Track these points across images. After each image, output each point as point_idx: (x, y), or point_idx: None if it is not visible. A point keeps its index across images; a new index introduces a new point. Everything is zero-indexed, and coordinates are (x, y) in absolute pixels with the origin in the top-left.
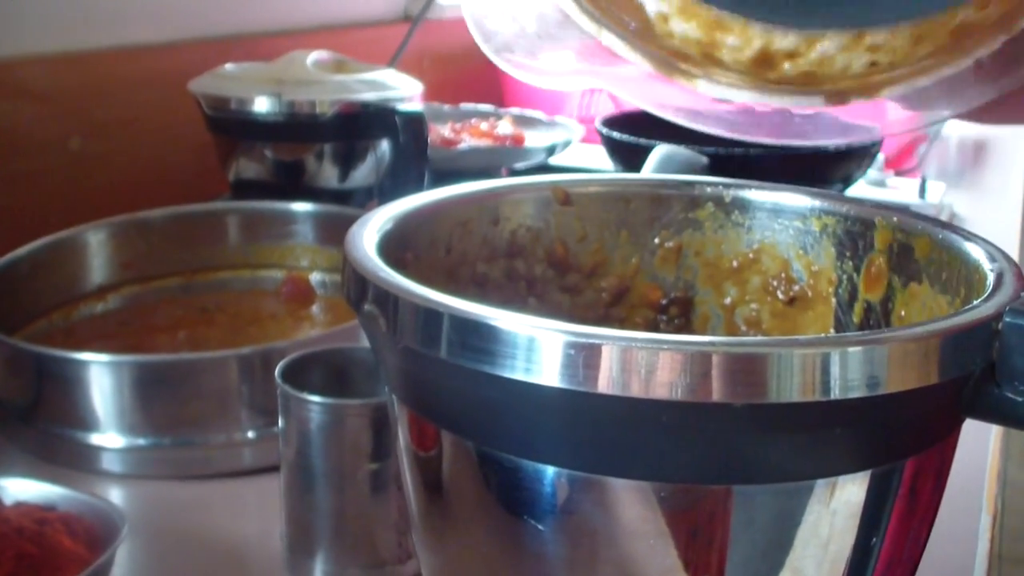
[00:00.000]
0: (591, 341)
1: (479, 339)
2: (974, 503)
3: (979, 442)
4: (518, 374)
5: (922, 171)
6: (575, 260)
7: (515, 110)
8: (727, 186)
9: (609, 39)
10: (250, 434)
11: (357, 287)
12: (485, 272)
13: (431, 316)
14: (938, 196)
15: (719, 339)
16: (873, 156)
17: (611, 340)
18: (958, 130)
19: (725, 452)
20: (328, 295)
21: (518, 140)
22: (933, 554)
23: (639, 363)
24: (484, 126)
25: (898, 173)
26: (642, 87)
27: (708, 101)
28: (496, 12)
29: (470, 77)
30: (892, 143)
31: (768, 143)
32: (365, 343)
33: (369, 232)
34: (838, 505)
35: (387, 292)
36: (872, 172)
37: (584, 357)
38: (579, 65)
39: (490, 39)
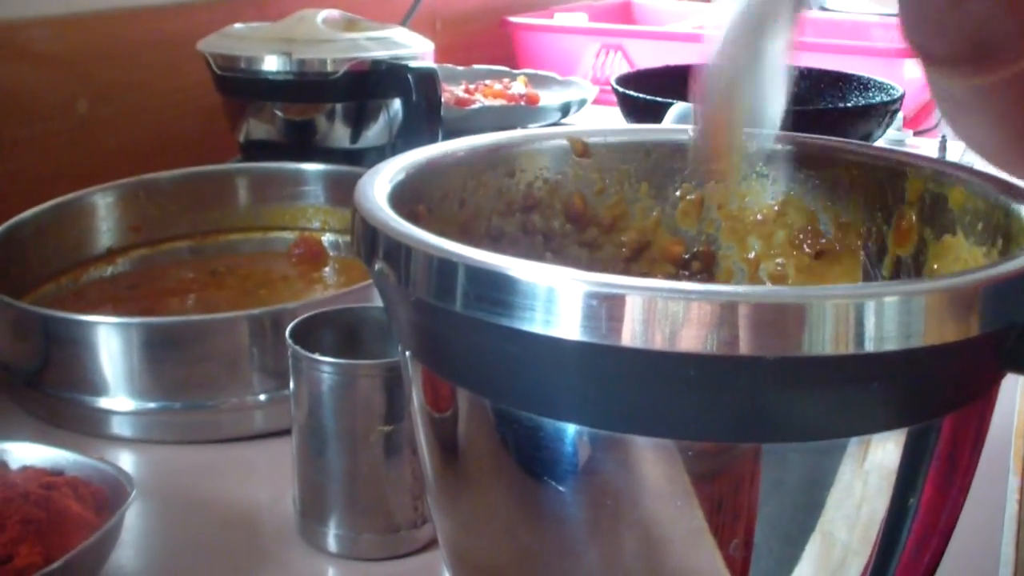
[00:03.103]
0: (614, 291)
1: (496, 290)
2: (1001, 466)
3: (1005, 401)
4: (537, 327)
5: (941, 130)
6: (594, 213)
7: (529, 70)
8: (751, 136)
9: None
10: (261, 397)
11: (368, 239)
12: (501, 226)
13: (445, 267)
14: (958, 155)
15: (748, 288)
16: (893, 114)
17: (635, 290)
18: None
19: (754, 408)
20: (340, 256)
21: (532, 100)
22: (960, 517)
23: (664, 314)
24: (498, 86)
25: (917, 132)
26: None
27: None
28: None
29: (482, 38)
30: (911, 101)
31: None
32: (378, 303)
33: (380, 183)
34: (872, 465)
35: (399, 243)
36: (892, 131)
37: (606, 308)
38: None
39: None
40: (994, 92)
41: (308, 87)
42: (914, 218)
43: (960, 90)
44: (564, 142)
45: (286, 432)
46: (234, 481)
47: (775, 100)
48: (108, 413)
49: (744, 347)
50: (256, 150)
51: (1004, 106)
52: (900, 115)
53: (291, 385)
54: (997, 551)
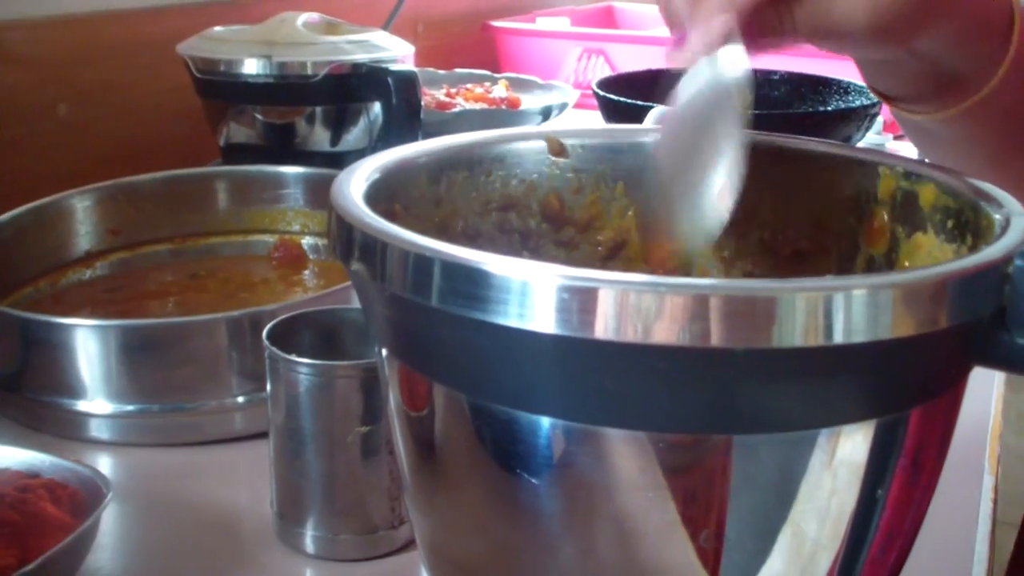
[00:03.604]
0: (586, 284)
1: (471, 285)
2: (976, 465)
3: (981, 403)
4: (511, 320)
5: None
6: (570, 213)
7: (510, 74)
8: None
9: None
10: (240, 399)
11: (344, 236)
12: (477, 225)
13: (421, 262)
14: None
15: (719, 281)
16: (872, 118)
17: (607, 283)
18: None
19: (725, 401)
20: (320, 259)
21: (513, 103)
22: (935, 515)
23: (636, 307)
24: (479, 90)
25: (897, 137)
26: None
27: None
28: None
29: (464, 43)
30: None
31: None
32: (356, 305)
33: (356, 181)
34: (841, 457)
35: (375, 239)
36: (871, 135)
37: (579, 301)
38: None
39: None
40: (958, 121)
41: (288, 90)
42: (886, 217)
43: (926, 122)
44: (541, 142)
45: (265, 434)
46: (212, 483)
47: (721, 194)
48: (86, 416)
49: (715, 339)
50: (236, 153)
51: (971, 132)
52: (880, 119)
53: (268, 387)
54: (971, 550)
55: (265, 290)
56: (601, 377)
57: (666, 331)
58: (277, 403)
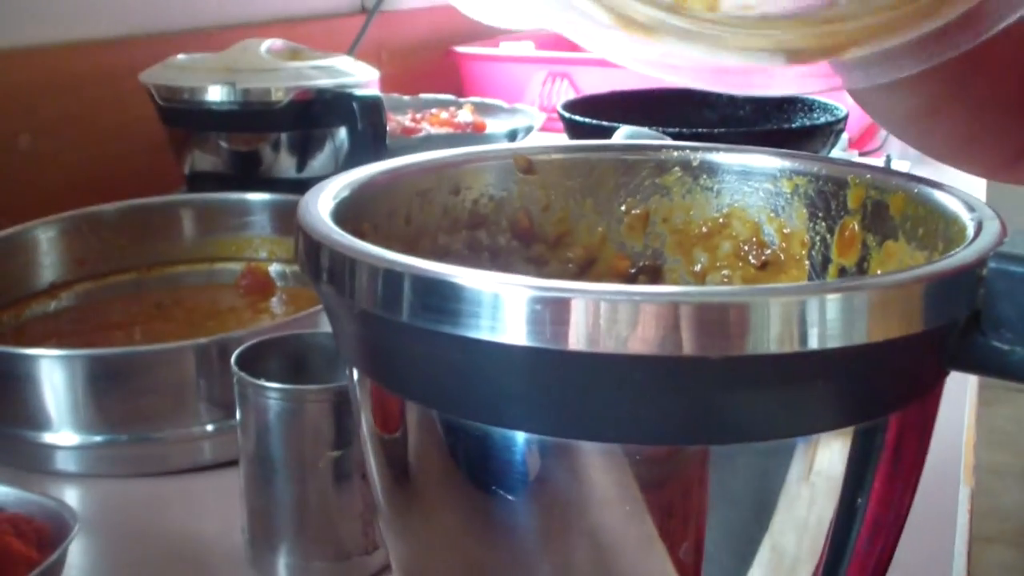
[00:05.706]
0: (558, 295)
1: (441, 298)
2: (951, 477)
3: (955, 415)
4: (483, 333)
5: (886, 151)
6: (539, 230)
7: (476, 98)
8: (695, 149)
9: None
10: (209, 427)
11: (312, 255)
12: (447, 243)
13: (390, 277)
14: None
15: (692, 289)
16: (838, 135)
17: (579, 293)
18: None
19: (700, 410)
20: (288, 286)
21: (479, 128)
22: (912, 528)
23: (608, 316)
24: (444, 115)
25: (862, 153)
26: (605, 38)
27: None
28: None
29: (429, 68)
30: (856, 123)
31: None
32: (324, 329)
33: (324, 199)
34: (820, 465)
35: (344, 255)
36: (836, 152)
37: (551, 312)
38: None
39: None
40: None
41: (253, 117)
42: (856, 227)
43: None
44: (509, 159)
45: (234, 463)
46: (182, 513)
47: None
48: (53, 448)
49: (688, 347)
50: (202, 181)
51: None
52: (845, 136)
53: (238, 414)
54: (950, 562)
55: (232, 318)
56: (575, 389)
57: (640, 340)
58: (247, 430)
